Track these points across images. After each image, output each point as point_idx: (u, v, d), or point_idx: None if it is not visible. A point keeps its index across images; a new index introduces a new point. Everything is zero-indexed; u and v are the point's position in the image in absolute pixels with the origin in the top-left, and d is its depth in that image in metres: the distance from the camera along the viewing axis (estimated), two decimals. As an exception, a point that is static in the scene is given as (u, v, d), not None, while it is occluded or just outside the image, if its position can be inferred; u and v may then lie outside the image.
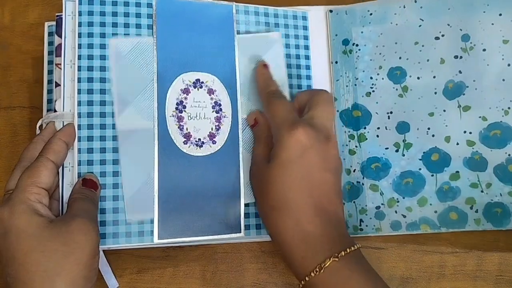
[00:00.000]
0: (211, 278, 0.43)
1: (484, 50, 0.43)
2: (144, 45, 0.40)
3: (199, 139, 0.40)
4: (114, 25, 0.39)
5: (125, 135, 0.39)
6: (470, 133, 0.42)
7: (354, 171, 0.43)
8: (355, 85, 0.45)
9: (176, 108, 0.40)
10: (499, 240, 0.43)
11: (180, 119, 0.40)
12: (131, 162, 0.38)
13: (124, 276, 0.43)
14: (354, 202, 0.43)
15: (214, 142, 0.40)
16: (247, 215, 0.40)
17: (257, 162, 0.40)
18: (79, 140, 0.38)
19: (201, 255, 0.43)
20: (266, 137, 0.41)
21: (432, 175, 0.42)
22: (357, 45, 0.45)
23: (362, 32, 0.45)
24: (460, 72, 0.43)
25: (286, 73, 0.44)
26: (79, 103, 0.38)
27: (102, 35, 0.39)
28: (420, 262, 0.43)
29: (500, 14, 0.43)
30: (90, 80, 0.39)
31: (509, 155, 0.42)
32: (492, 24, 0.43)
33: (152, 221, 0.38)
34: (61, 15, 0.39)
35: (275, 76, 0.43)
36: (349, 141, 0.44)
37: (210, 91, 0.41)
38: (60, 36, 0.39)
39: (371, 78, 0.44)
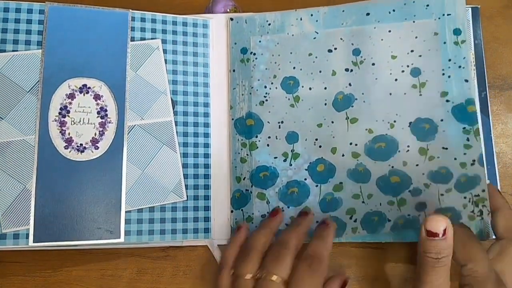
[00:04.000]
0: (211, 278, 0.43)
1: (373, 64, 0.44)
2: (20, 57, 0.41)
3: (81, 144, 0.40)
4: None
5: None
6: (356, 145, 0.43)
7: (244, 179, 0.44)
8: (250, 93, 0.45)
9: (59, 113, 0.40)
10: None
11: (62, 123, 0.40)
12: (6, 175, 0.39)
13: (124, 276, 0.43)
14: (242, 210, 0.44)
15: (96, 148, 0.41)
16: (128, 221, 0.41)
17: None
18: None
19: (201, 255, 0.44)
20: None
21: (317, 186, 0.43)
22: (254, 54, 0.46)
23: (260, 41, 0.46)
24: (350, 84, 0.44)
25: (167, 79, 0.44)
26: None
27: None
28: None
29: (390, 31, 0.44)
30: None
31: (392, 167, 0.42)
32: (382, 40, 0.44)
33: (28, 231, 0.39)
34: None
35: (155, 83, 0.43)
36: (241, 149, 0.45)
37: (97, 97, 0.42)
38: None
39: (265, 87, 0.45)
